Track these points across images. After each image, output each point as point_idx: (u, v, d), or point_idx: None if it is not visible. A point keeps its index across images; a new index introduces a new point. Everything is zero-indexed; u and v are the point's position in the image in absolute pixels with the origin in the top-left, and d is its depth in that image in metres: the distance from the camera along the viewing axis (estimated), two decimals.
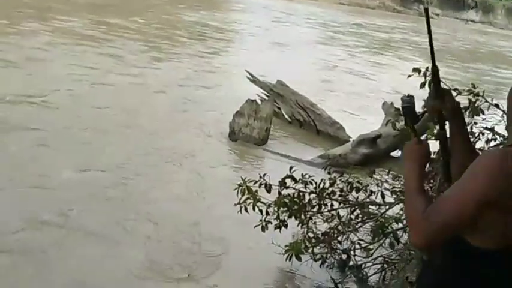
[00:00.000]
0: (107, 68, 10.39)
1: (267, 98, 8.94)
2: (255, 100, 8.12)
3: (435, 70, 2.08)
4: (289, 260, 4.43)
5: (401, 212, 4.93)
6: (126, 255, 4.59)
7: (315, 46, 16.80)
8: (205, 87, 10.45)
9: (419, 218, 1.75)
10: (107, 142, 6.92)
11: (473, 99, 4.97)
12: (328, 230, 4.73)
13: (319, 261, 4.63)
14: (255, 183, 4.58)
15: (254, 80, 9.52)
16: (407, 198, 1.88)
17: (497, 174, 1.69)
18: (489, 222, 1.73)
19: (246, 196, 4.58)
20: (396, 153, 7.99)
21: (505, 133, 3.48)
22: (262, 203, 4.60)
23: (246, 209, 4.56)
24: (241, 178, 4.56)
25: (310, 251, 4.59)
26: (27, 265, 4.22)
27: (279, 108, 9.13)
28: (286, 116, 9.12)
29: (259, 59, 12.98)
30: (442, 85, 2.17)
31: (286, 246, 4.53)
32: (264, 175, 4.63)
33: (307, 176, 4.70)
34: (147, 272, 4.41)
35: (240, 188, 4.54)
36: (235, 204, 4.56)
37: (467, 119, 5.20)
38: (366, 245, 4.73)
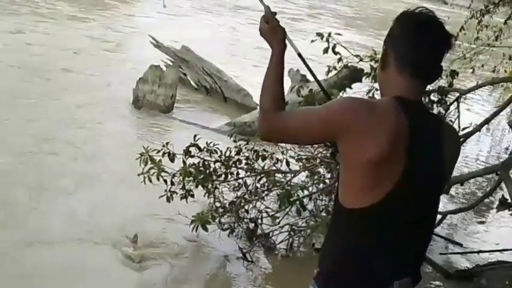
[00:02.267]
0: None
1: (171, 64, 8.70)
2: (159, 66, 7.85)
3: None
4: (196, 230, 4.32)
5: (306, 180, 4.94)
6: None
7: (236, 11, 16.54)
8: (113, 50, 10.05)
9: (271, 113, 1.86)
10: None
11: (375, 66, 5.00)
12: (235, 199, 4.65)
13: (227, 231, 4.55)
14: (157, 152, 4.42)
15: (158, 45, 9.21)
16: (266, 83, 1.93)
17: (347, 106, 1.77)
18: (350, 179, 1.78)
19: (149, 166, 4.42)
20: None
21: None
22: (167, 172, 4.46)
23: (150, 180, 4.41)
24: (143, 147, 4.39)
25: (217, 220, 4.50)
26: None
27: (184, 74, 8.91)
28: (192, 83, 8.92)
29: (173, 24, 12.72)
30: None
31: (193, 216, 4.42)
32: (167, 144, 4.47)
33: (212, 145, 4.58)
34: None
35: (142, 157, 4.37)
36: (139, 175, 4.39)
37: (370, 84, 5.27)
38: (272, 213, 4.70)
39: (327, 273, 1.89)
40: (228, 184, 4.76)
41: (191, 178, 4.54)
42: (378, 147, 1.70)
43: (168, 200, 4.43)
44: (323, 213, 4.75)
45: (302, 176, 4.96)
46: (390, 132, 1.72)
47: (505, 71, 8.67)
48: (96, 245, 4.31)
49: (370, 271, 1.79)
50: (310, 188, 4.86)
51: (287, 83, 8.07)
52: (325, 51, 4.84)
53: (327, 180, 4.94)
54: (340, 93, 5.28)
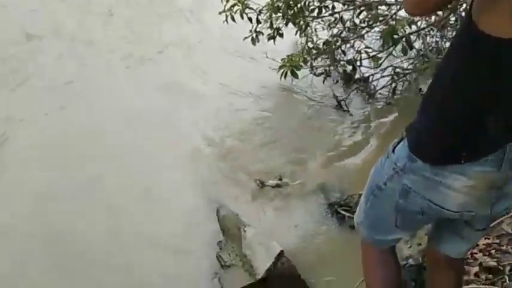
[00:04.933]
0: None
1: None
2: None
3: None
4: (285, 77, 3.80)
5: None
6: None
7: None
8: None
9: None
10: None
11: None
12: (330, 38, 4.05)
13: (321, 76, 4.02)
14: None
15: None
16: None
17: None
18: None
19: (231, 2, 3.87)
20: None
21: None
22: (252, 9, 3.90)
23: (232, 18, 3.88)
24: None
25: (309, 64, 3.97)
26: None
27: None
28: None
29: None
30: None
31: (282, 60, 3.90)
32: None
33: None
34: None
35: None
36: (220, 13, 3.87)
37: None
38: (374, 53, 4.07)
39: (424, 125, 1.41)
40: (322, 20, 4.15)
41: (279, 14, 3.96)
42: None
43: (254, 41, 3.93)
44: (433, 53, 4.07)
45: None
46: None
47: None
48: None
49: (482, 124, 1.30)
50: (419, 23, 4.13)
51: None
52: None
53: (440, 12, 4.18)
54: None
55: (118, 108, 3.88)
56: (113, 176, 3.35)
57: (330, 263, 2.93)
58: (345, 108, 3.90)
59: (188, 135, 3.73)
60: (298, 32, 4.06)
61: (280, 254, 2.80)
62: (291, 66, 3.77)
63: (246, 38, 3.93)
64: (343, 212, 3.11)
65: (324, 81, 4.04)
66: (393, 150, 1.48)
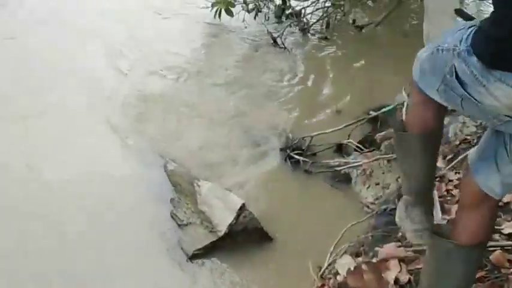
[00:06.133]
0: None
1: None
2: None
3: None
4: (219, 16, 3.55)
5: None
6: None
7: None
8: None
9: None
10: None
11: None
12: None
13: (253, 12, 3.80)
14: None
15: None
16: None
17: None
18: None
19: None
20: None
21: None
22: None
23: None
24: None
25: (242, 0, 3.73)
26: None
27: None
28: None
29: None
30: None
31: None
32: None
33: None
34: None
35: None
36: None
37: None
38: None
39: (488, 25, 1.32)
40: None
41: None
42: None
43: None
44: None
45: None
46: None
47: None
48: None
49: None
50: None
51: None
52: None
53: None
54: None
55: None
56: None
57: (289, 210, 2.82)
58: (282, 45, 3.71)
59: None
60: None
61: (242, 208, 2.66)
62: (225, 2, 3.52)
63: None
64: (296, 156, 2.99)
65: (255, 17, 3.82)
66: (468, 30, 1.38)
